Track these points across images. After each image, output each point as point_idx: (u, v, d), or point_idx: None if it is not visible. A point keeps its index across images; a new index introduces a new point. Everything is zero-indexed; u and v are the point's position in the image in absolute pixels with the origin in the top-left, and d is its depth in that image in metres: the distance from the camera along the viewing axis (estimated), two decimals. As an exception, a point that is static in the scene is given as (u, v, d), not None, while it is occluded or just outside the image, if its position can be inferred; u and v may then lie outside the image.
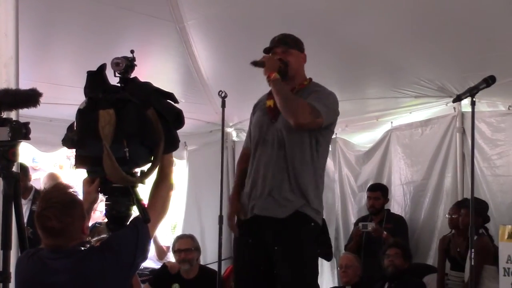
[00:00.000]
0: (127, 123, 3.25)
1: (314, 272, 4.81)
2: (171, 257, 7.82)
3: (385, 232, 7.32)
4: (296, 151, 4.56)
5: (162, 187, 3.56)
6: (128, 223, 3.45)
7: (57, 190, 3.33)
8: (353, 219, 8.31)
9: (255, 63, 4.61)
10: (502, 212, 6.72)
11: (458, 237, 6.76)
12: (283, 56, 4.67)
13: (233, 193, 5.04)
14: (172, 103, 3.52)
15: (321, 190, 4.79)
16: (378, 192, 7.83)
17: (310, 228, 4.64)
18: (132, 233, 3.34)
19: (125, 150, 3.23)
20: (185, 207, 9.69)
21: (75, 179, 8.18)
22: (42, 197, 3.31)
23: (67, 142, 3.38)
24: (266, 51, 4.74)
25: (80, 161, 3.38)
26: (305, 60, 4.84)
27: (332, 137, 8.37)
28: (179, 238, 7.39)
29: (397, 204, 7.98)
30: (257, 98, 5.06)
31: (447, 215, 6.91)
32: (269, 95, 4.75)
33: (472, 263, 5.06)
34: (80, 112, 3.33)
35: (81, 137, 3.30)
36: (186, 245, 7.08)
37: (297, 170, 4.58)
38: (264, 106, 4.78)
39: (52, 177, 9.26)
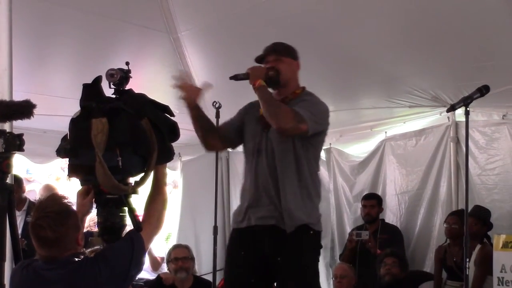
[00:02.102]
0: (120, 132, 3.24)
1: (316, 282, 4.79)
2: (165, 268, 7.80)
3: (378, 250, 7.30)
4: (287, 160, 4.53)
5: (158, 200, 3.56)
6: (123, 234, 3.44)
7: (52, 200, 3.33)
8: (348, 229, 8.29)
9: (236, 77, 4.61)
10: (498, 222, 6.71)
11: (454, 247, 6.75)
12: (275, 64, 4.65)
13: None
14: (168, 115, 3.53)
15: (315, 197, 4.75)
16: (374, 200, 7.83)
17: (310, 237, 4.62)
18: (127, 246, 3.34)
19: (118, 159, 3.22)
20: (179, 218, 9.69)
21: (72, 190, 8.18)
22: (37, 207, 3.31)
23: (60, 151, 3.38)
24: (258, 60, 4.73)
25: (73, 170, 3.37)
26: (299, 68, 4.80)
27: (327, 147, 8.47)
28: (175, 247, 7.37)
29: (392, 214, 7.98)
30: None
31: (445, 224, 6.89)
32: None
33: (467, 273, 5.05)
34: (73, 121, 3.33)
35: (73, 146, 3.30)
36: (183, 254, 7.07)
37: (294, 179, 4.55)
38: (257, 114, 4.74)
39: (48, 188, 9.26)
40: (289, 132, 4.46)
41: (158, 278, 7.29)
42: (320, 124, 4.57)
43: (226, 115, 6.83)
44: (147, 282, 7.93)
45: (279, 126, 4.39)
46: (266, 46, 4.78)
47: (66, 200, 3.33)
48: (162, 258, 8.76)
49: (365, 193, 8.11)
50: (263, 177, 4.60)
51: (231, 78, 4.61)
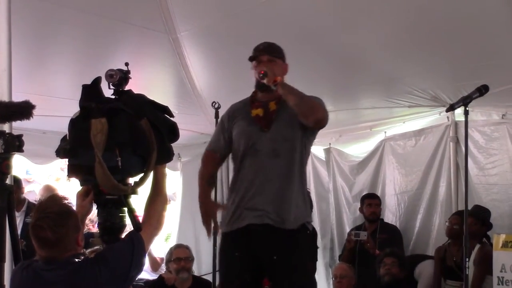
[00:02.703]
0: (119, 132, 3.24)
1: (313, 280, 4.78)
2: (164, 269, 7.79)
3: (377, 251, 7.29)
4: (292, 159, 4.54)
5: (157, 201, 3.55)
6: (123, 235, 3.44)
7: (52, 201, 3.33)
8: (347, 229, 8.29)
9: (266, 74, 4.60)
10: (497, 221, 6.71)
11: (454, 246, 6.75)
12: (268, 65, 4.61)
13: (202, 194, 4.80)
14: (167, 116, 3.53)
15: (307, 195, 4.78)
16: (377, 199, 7.85)
17: (308, 235, 4.63)
18: (127, 247, 3.34)
19: (117, 159, 3.22)
20: (179, 219, 9.71)
21: (71, 191, 8.20)
22: (37, 207, 3.31)
23: (60, 152, 3.38)
24: (251, 59, 4.72)
25: (72, 171, 3.37)
26: (287, 70, 4.78)
27: (326, 147, 8.47)
28: (177, 247, 7.34)
29: (391, 214, 7.98)
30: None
31: (447, 223, 6.89)
32: (253, 104, 4.72)
33: (467, 272, 5.06)
34: (72, 122, 3.33)
35: (73, 146, 3.30)
36: (185, 254, 7.07)
37: (296, 178, 4.55)
38: (248, 115, 4.71)
39: (48, 189, 9.26)
40: (323, 123, 4.52)
41: (160, 278, 7.28)
42: None
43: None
44: (147, 283, 7.92)
45: (317, 117, 4.43)
46: (257, 45, 4.77)
47: (66, 201, 3.33)
48: (162, 259, 8.76)
49: (364, 193, 8.11)
50: (262, 176, 4.57)
51: (262, 75, 4.59)
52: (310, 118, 4.44)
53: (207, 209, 4.72)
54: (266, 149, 4.57)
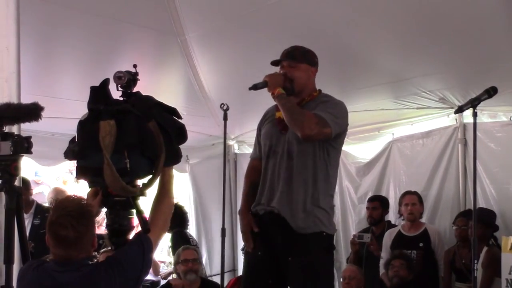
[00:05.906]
0: (128, 134, 3.26)
1: (328, 282, 4.76)
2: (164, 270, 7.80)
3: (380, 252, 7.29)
4: (305, 162, 4.55)
5: (164, 203, 3.57)
6: (131, 237, 3.46)
7: (71, 200, 3.34)
8: (353, 231, 8.27)
9: (255, 87, 4.61)
10: (505, 223, 6.70)
11: (463, 249, 6.74)
12: (289, 71, 4.65)
13: (243, 205, 4.90)
14: (175, 118, 3.54)
15: (331, 199, 4.71)
16: (376, 202, 7.80)
17: (322, 238, 4.60)
18: (138, 250, 3.36)
19: (126, 161, 3.23)
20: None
21: (79, 193, 8.22)
22: (56, 206, 3.31)
23: (68, 153, 3.39)
24: (275, 63, 4.74)
25: (81, 172, 3.39)
26: (315, 73, 4.81)
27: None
28: (185, 249, 7.33)
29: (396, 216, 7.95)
30: (259, 110, 5.05)
31: (454, 226, 6.88)
32: (278, 107, 4.73)
33: (476, 274, 5.04)
34: (81, 123, 3.35)
35: (82, 147, 3.31)
36: (193, 256, 7.07)
37: (307, 182, 4.55)
38: (273, 117, 4.77)
39: (58, 191, 9.28)
40: (314, 138, 4.49)
41: (168, 284, 7.28)
42: (341, 125, 4.61)
43: (234, 117, 6.84)
44: (153, 283, 7.91)
45: (304, 134, 4.41)
46: (284, 49, 4.78)
47: (84, 202, 3.34)
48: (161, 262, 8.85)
49: (370, 194, 8.10)
50: (277, 177, 4.63)
51: (251, 88, 4.62)
52: (297, 133, 4.46)
53: (245, 221, 4.79)
54: (282, 151, 4.63)
